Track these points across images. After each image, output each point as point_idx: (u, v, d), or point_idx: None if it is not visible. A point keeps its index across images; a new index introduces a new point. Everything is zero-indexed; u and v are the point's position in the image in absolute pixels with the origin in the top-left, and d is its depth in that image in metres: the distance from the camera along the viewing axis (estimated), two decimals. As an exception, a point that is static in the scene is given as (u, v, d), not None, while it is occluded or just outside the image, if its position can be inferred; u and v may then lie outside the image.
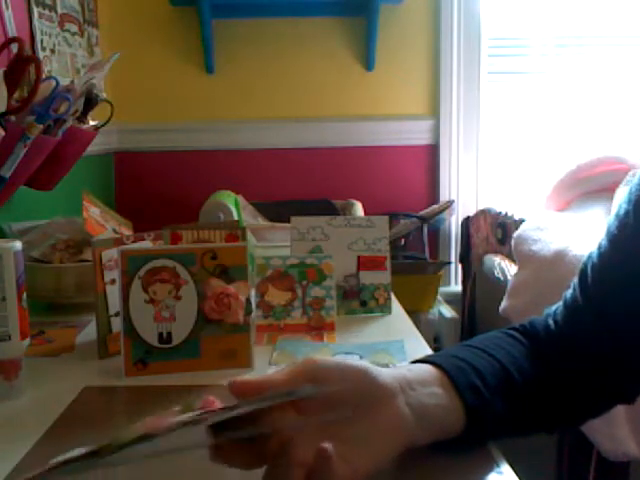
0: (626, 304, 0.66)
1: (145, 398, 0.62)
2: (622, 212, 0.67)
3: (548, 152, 2.50)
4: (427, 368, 0.60)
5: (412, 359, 0.91)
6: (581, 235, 1.60)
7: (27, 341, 0.82)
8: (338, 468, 0.49)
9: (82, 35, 1.93)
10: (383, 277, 1.19)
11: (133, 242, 1.00)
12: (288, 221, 1.23)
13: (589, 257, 0.71)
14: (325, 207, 2.20)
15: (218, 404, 0.53)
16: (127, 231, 1.38)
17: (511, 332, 0.71)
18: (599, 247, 0.70)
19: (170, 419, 0.46)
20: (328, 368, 0.54)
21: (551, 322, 0.71)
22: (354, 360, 0.57)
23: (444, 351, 0.66)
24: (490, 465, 0.62)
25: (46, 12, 1.63)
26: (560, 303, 0.73)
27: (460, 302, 2.38)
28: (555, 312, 0.73)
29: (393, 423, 0.55)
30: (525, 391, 0.64)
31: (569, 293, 0.72)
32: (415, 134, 2.44)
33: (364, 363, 0.57)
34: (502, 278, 1.97)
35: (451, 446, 0.59)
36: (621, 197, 0.68)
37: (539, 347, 0.69)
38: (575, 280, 0.72)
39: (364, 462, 0.52)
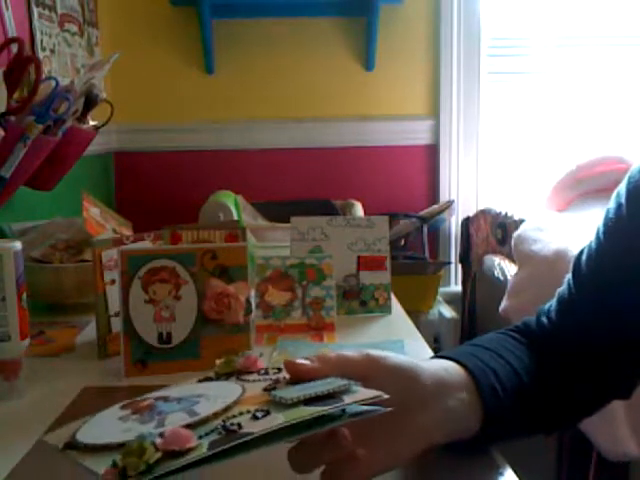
0: (621, 297, 0.66)
1: (145, 398, 0.63)
2: (616, 205, 0.67)
3: (548, 152, 2.50)
4: (459, 371, 0.60)
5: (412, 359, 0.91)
6: (581, 235, 1.60)
7: (27, 341, 0.82)
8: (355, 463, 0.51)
9: (82, 35, 1.93)
10: (383, 277, 1.19)
11: (133, 242, 1.00)
12: (288, 221, 1.23)
13: (582, 251, 0.71)
14: (325, 207, 2.20)
15: (261, 363, 0.54)
16: (127, 231, 1.38)
17: (511, 333, 0.71)
18: (595, 239, 0.70)
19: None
20: (383, 370, 0.54)
21: (545, 320, 0.71)
22: (403, 358, 0.57)
23: (465, 350, 0.65)
24: (491, 467, 0.62)
25: (46, 12, 1.63)
26: (553, 301, 0.73)
27: (460, 302, 2.38)
28: (548, 310, 0.72)
29: (422, 428, 0.55)
30: (531, 393, 0.64)
31: (563, 289, 0.72)
32: (415, 134, 2.44)
33: (411, 362, 0.57)
34: (502, 278, 1.97)
35: (453, 448, 0.59)
36: (619, 189, 0.68)
37: (535, 346, 0.69)
38: (569, 275, 0.72)
39: (381, 460, 0.53)
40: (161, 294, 0.88)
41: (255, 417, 0.45)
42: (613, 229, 0.67)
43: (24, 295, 0.81)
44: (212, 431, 0.44)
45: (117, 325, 0.91)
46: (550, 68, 2.48)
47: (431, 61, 2.42)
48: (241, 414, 0.46)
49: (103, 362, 0.94)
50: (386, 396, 0.48)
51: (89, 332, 1.06)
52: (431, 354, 0.96)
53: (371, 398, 0.47)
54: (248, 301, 0.90)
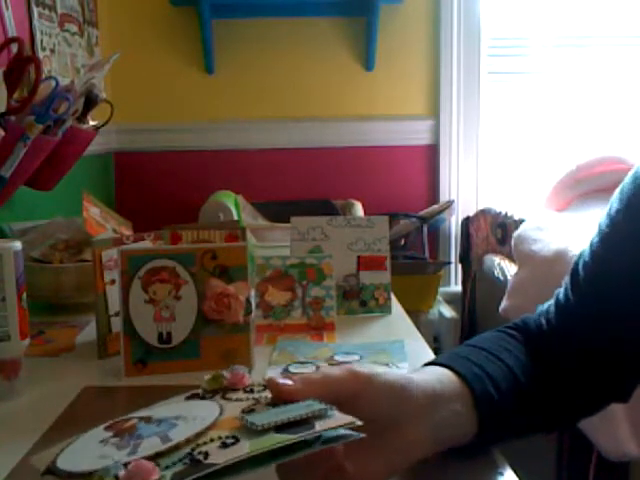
0: (617, 303, 0.66)
1: (145, 398, 0.63)
2: (613, 211, 0.67)
3: (548, 152, 2.50)
4: (453, 380, 0.60)
5: (412, 359, 0.91)
6: (581, 235, 1.60)
7: (27, 341, 0.82)
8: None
9: (82, 35, 1.93)
10: (383, 277, 1.19)
11: (133, 242, 1.00)
12: (288, 221, 1.23)
13: (580, 256, 0.71)
14: (325, 207, 2.20)
15: (247, 380, 0.54)
16: (127, 231, 1.38)
17: (510, 332, 0.71)
18: (591, 246, 0.70)
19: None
20: (372, 388, 0.53)
21: (543, 321, 0.71)
22: (393, 373, 0.57)
23: (461, 353, 0.65)
24: (491, 467, 0.62)
25: (46, 12, 1.63)
26: (552, 301, 0.73)
27: (460, 302, 2.38)
28: (547, 311, 0.72)
29: (412, 442, 0.55)
30: (528, 393, 0.64)
31: (561, 292, 0.72)
32: (415, 134, 2.44)
33: (402, 377, 0.56)
34: (502, 278, 1.97)
35: (453, 449, 0.59)
36: (614, 196, 0.68)
37: (532, 346, 0.69)
38: (567, 279, 0.72)
39: (371, 474, 0.52)
40: (161, 294, 0.88)
41: (224, 445, 0.45)
42: (610, 234, 0.67)
43: (24, 295, 0.81)
44: (179, 461, 0.44)
45: (117, 325, 0.91)
46: (550, 68, 2.48)
47: (431, 61, 2.42)
48: (212, 440, 0.45)
49: (103, 362, 0.94)
50: (359, 422, 0.47)
51: (89, 332, 1.06)
52: (431, 354, 0.96)
53: (344, 424, 0.47)
54: (248, 301, 0.90)
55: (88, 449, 0.48)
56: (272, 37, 2.37)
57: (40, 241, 1.25)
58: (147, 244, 1.02)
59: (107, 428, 0.51)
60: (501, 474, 0.61)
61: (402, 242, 2.27)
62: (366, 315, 1.18)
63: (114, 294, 0.93)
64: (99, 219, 1.34)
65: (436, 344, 2.16)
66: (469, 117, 2.43)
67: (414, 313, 1.82)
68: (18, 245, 0.80)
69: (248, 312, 0.90)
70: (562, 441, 1.54)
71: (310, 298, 1.09)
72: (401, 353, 0.95)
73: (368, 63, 2.38)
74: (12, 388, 0.81)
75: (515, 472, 0.61)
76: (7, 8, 1.37)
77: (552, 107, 2.50)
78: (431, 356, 0.94)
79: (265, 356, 0.96)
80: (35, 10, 1.55)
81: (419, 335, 1.06)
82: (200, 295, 0.88)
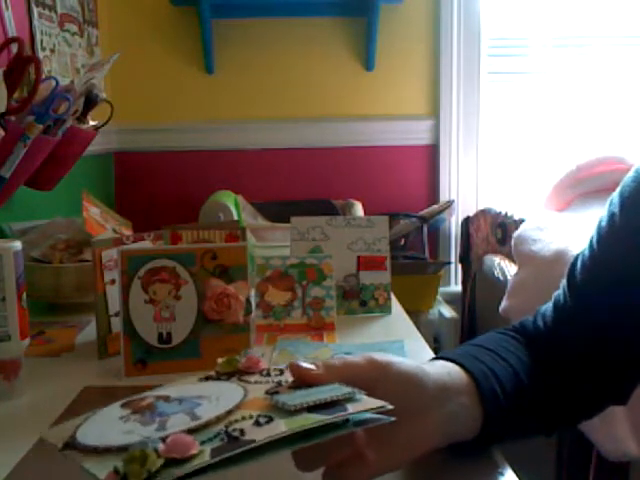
0: (614, 305, 0.66)
1: (145, 398, 0.63)
2: (611, 214, 0.67)
3: (548, 152, 2.50)
4: (461, 374, 0.60)
5: (412, 359, 0.91)
6: (581, 235, 1.60)
7: (27, 341, 0.82)
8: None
9: (82, 35, 1.93)
10: (383, 277, 1.19)
11: (133, 242, 1.00)
12: (288, 221, 1.23)
13: (577, 258, 0.71)
14: (325, 207, 2.20)
15: (263, 364, 0.54)
16: (127, 231, 1.38)
17: (511, 333, 0.71)
18: (588, 248, 0.70)
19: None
20: (388, 376, 0.54)
21: (541, 323, 0.71)
22: (408, 363, 0.57)
23: (468, 351, 0.65)
24: (491, 467, 0.62)
25: (46, 12, 1.63)
26: (550, 303, 0.73)
27: (460, 302, 2.38)
28: (545, 313, 0.72)
29: (423, 433, 0.55)
30: (530, 395, 0.64)
31: (559, 294, 0.72)
32: (415, 134, 2.44)
33: (416, 367, 0.57)
34: (502, 278, 1.97)
35: (454, 449, 0.59)
36: (612, 198, 0.68)
37: (533, 349, 0.69)
38: (564, 281, 0.72)
39: (382, 462, 0.53)
40: (161, 294, 0.88)
41: (258, 423, 0.44)
42: (607, 237, 0.67)
43: (24, 295, 0.81)
44: (215, 437, 0.43)
45: (117, 325, 0.91)
46: (550, 68, 2.48)
47: (431, 61, 2.42)
48: (244, 419, 0.45)
49: (103, 362, 0.94)
50: (390, 407, 0.47)
51: (89, 332, 1.06)
52: (431, 354, 0.96)
53: (375, 408, 0.47)
54: (248, 301, 0.90)
55: (109, 425, 0.48)
56: (272, 37, 2.37)
57: (40, 241, 1.25)
58: (147, 244, 1.02)
59: (124, 405, 0.51)
60: (501, 474, 0.61)
61: (402, 242, 2.27)
62: (366, 315, 1.18)
63: (114, 294, 0.93)
64: (99, 219, 1.34)
65: (436, 344, 2.16)
66: (469, 117, 2.43)
67: (414, 313, 1.82)
68: (18, 245, 0.80)
69: (248, 312, 0.90)
70: (562, 441, 1.54)
71: (310, 298, 1.09)
72: (401, 353, 0.95)
73: (368, 63, 2.38)
74: (12, 388, 0.81)
75: (515, 472, 0.61)
76: (7, 8, 1.37)
77: (552, 107, 2.49)
78: (431, 356, 0.93)
79: (265, 356, 0.96)
80: (35, 10, 1.55)
81: (419, 335, 1.06)
82: (200, 295, 0.88)
